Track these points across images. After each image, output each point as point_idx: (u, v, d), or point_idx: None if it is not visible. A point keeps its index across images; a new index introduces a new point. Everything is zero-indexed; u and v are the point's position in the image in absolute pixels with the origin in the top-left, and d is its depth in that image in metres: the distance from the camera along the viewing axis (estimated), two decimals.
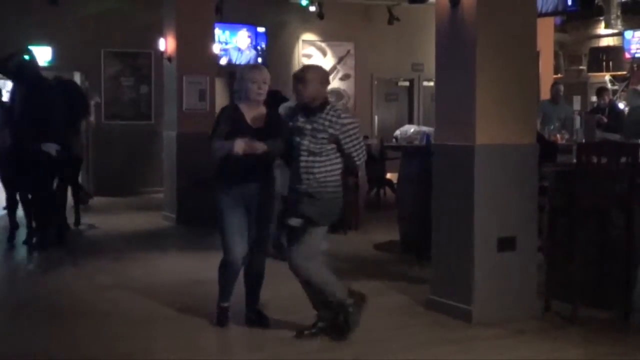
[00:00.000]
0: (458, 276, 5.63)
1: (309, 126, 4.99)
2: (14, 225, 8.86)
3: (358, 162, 5.12)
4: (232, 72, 11.43)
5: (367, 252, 8.38)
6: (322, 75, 5.15)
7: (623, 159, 5.60)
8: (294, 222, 4.97)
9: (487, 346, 5.08)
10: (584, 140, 8.43)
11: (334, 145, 4.97)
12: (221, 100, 11.97)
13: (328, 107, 5.03)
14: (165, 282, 6.96)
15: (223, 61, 14.39)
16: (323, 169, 4.96)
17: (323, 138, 4.95)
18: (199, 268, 7.31)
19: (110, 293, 6.51)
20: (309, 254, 4.99)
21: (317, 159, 4.95)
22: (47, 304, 6.52)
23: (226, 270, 5.35)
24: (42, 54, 12.91)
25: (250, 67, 5.72)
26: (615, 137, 9.65)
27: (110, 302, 6.24)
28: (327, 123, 4.96)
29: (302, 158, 4.97)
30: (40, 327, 5.90)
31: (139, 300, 6.23)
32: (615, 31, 16.07)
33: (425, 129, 10.02)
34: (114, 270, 7.50)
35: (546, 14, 10.01)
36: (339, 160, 5.03)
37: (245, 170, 5.17)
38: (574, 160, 6.32)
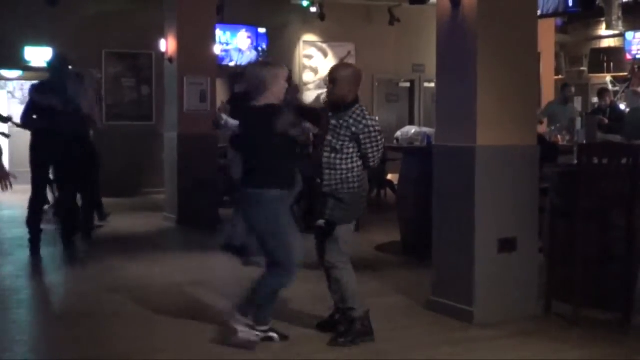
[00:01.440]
0: (459, 277, 5.63)
1: (334, 121, 5.05)
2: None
3: (371, 164, 5.14)
4: (236, 74, 11.37)
5: (368, 252, 8.36)
6: (352, 75, 5.15)
7: (624, 160, 5.60)
8: (321, 222, 5.06)
9: (488, 347, 5.08)
10: (585, 142, 8.43)
11: (355, 144, 5.01)
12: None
13: (356, 106, 5.07)
14: (165, 283, 6.95)
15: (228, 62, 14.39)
16: (345, 166, 5.01)
17: (345, 135, 5.00)
18: (199, 269, 7.30)
19: (110, 293, 6.50)
20: (340, 251, 5.07)
21: (339, 155, 5.00)
22: (47, 304, 6.52)
23: (281, 289, 5.07)
24: (43, 55, 12.95)
25: (276, 64, 5.08)
26: (617, 138, 9.65)
27: (110, 303, 6.23)
28: (351, 121, 5.00)
29: (325, 154, 5.03)
30: (41, 327, 5.90)
31: (139, 300, 6.22)
32: (616, 32, 16.06)
33: (426, 130, 10.00)
34: (114, 271, 7.49)
35: (547, 15, 10.02)
36: (359, 158, 5.07)
37: (295, 173, 5.16)
38: (575, 162, 6.32)
